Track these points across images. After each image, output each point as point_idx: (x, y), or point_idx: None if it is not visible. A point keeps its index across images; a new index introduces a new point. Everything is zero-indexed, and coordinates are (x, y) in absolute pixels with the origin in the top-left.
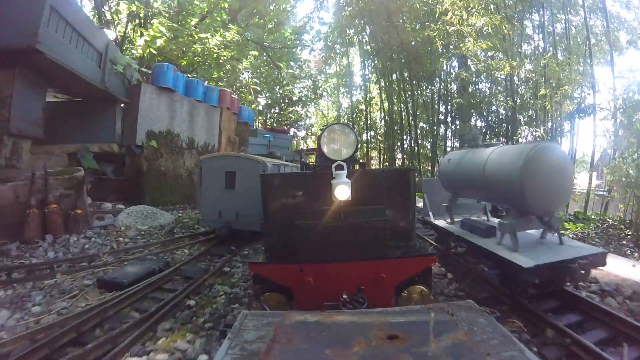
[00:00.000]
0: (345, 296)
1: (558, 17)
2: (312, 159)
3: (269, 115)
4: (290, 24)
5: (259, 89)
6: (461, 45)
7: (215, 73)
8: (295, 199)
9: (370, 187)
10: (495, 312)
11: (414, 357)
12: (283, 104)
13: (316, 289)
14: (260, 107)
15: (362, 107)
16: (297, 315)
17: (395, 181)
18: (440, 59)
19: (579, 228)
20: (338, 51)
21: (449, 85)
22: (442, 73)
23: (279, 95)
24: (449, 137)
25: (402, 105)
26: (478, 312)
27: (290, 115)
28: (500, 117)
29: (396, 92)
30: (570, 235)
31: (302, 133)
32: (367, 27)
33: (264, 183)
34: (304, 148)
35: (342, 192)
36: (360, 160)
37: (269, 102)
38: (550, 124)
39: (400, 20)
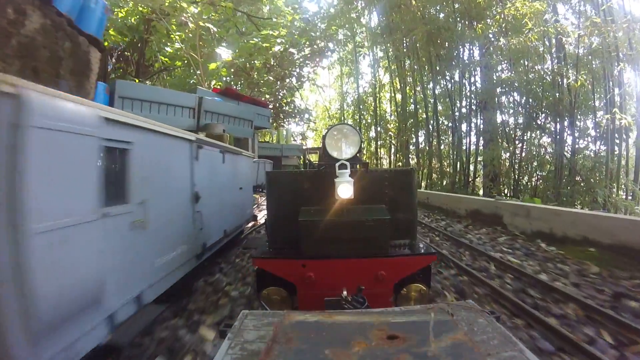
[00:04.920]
0: (345, 293)
1: None
2: (313, 157)
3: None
4: None
5: (215, 29)
6: (509, 5)
7: (174, 37)
8: (299, 196)
9: (373, 186)
10: (495, 312)
11: (414, 357)
12: (278, 85)
13: (318, 284)
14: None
15: (370, 98)
16: (297, 315)
17: (398, 181)
18: (480, 26)
19: None
20: (342, 27)
21: (473, 70)
22: (471, 50)
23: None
24: (472, 134)
25: (418, 96)
26: (478, 312)
27: (289, 102)
28: (545, 103)
29: (410, 82)
30: None
31: (293, 126)
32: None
33: (269, 180)
34: (306, 147)
35: (345, 190)
36: (365, 161)
37: (238, 62)
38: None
39: None
